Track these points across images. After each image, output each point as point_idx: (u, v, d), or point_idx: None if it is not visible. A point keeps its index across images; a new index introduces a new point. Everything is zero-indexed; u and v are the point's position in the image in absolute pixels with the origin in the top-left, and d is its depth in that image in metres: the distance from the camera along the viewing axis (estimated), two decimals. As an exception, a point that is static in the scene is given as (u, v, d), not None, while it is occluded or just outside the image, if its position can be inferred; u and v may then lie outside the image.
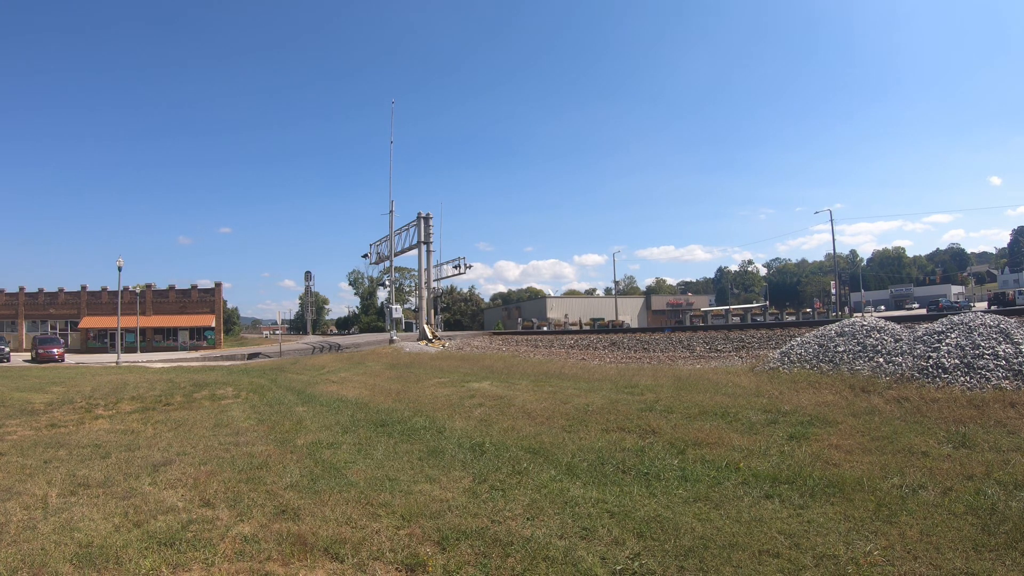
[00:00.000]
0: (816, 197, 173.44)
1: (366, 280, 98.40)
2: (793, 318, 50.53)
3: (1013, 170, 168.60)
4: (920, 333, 9.29)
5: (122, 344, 38.29)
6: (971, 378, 7.67)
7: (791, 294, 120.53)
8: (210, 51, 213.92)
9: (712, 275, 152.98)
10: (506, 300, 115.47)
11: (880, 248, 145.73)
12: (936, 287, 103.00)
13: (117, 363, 32.81)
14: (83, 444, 8.22)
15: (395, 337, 36.56)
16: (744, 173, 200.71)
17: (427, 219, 36.78)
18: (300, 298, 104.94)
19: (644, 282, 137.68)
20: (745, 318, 56.23)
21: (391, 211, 39.20)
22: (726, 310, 67.87)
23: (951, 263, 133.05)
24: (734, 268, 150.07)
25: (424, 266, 37.53)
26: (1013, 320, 8.96)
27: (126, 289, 49.80)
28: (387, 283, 40.48)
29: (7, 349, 38.03)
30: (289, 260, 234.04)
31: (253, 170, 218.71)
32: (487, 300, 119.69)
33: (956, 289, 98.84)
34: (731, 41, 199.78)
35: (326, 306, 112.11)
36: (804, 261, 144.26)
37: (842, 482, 4.97)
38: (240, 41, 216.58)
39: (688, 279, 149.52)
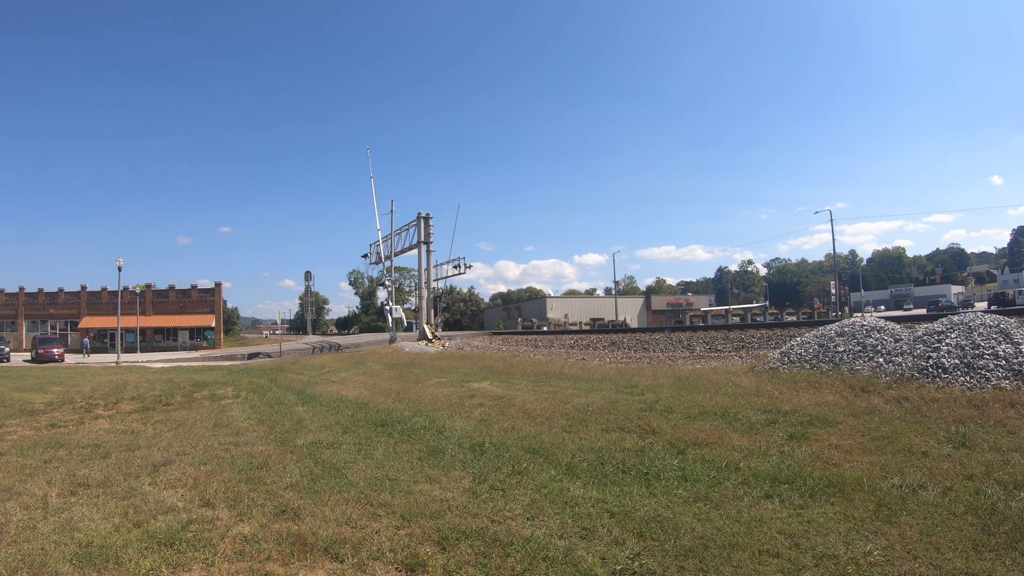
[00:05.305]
0: (817, 197, 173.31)
1: (366, 280, 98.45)
2: (793, 318, 50.46)
3: (1014, 169, 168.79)
4: (920, 333, 9.28)
5: (122, 344, 38.28)
6: (971, 378, 7.66)
7: (791, 294, 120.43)
8: (210, 51, 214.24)
9: (712, 275, 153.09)
10: (506, 300, 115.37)
11: (880, 248, 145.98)
12: (936, 287, 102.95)
13: (117, 363, 32.81)
14: (83, 444, 8.22)
15: (395, 337, 36.56)
16: (745, 173, 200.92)
17: (427, 219, 36.80)
18: (300, 298, 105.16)
19: (644, 282, 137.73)
20: (745, 318, 56.20)
21: (391, 211, 39.28)
22: (726, 310, 67.84)
23: (951, 263, 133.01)
24: (734, 268, 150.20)
25: (424, 266, 37.54)
26: (1013, 320, 8.95)
27: (126, 289, 49.79)
28: (387, 283, 40.43)
29: (7, 349, 38.02)
30: (289, 260, 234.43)
31: (253, 170, 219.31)
32: (487, 300, 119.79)
33: (956, 289, 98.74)
34: (732, 40, 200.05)
35: (326, 306, 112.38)
36: (804, 261, 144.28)
37: (842, 482, 4.97)
38: (240, 40, 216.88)
39: (688, 279, 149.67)
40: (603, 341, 32.40)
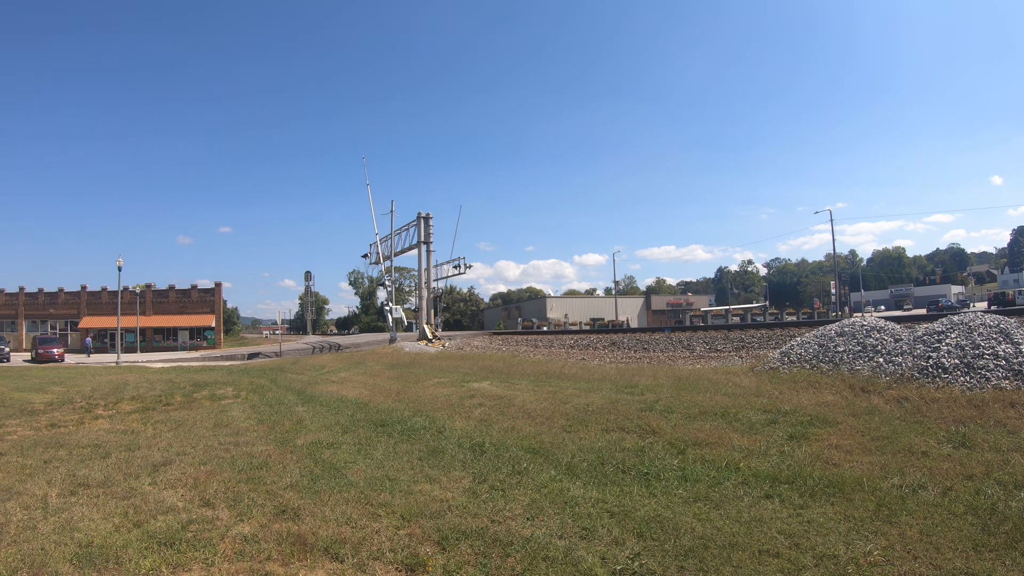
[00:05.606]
0: (818, 197, 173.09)
1: (366, 280, 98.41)
2: (793, 318, 50.41)
3: (1014, 169, 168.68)
4: (920, 333, 9.28)
5: (122, 344, 38.28)
6: (971, 378, 7.66)
7: (791, 294, 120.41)
8: (210, 50, 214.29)
9: (712, 275, 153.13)
10: (506, 300, 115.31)
11: (880, 248, 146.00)
12: (936, 287, 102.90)
13: (117, 363, 32.81)
14: (83, 444, 8.22)
15: (396, 337, 36.57)
16: (745, 173, 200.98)
17: (427, 219, 36.81)
18: (300, 298, 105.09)
19: (644, 282, 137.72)
20: (745, 318, 56.16)
21: (391, 211, 39.29)
22: (726, 310, 67.80)
23: (951, 263, 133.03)
24: (734, 268, 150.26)
25: (424, 266, 37.55)
26: (1013, 320, 8.95)
27: (126, 289, 49.77)
28: (387, 283, 40.44)
29: (7, 349, 38.01)
30: (289, 260, 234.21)
31: (253, 170, 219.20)
32: (487, 300, 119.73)
33: (956, 289, 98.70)
34: (732, 40, 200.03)
35: (326, 306, 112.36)
36: (804, 261, 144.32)
37: (842, 482, 4.97)
38: (240, 40, 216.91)
39: (688, 279, 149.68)
40: (603, 341, 32.39)
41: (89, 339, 47.71)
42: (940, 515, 4.20)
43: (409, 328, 42.02)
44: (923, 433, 6.15)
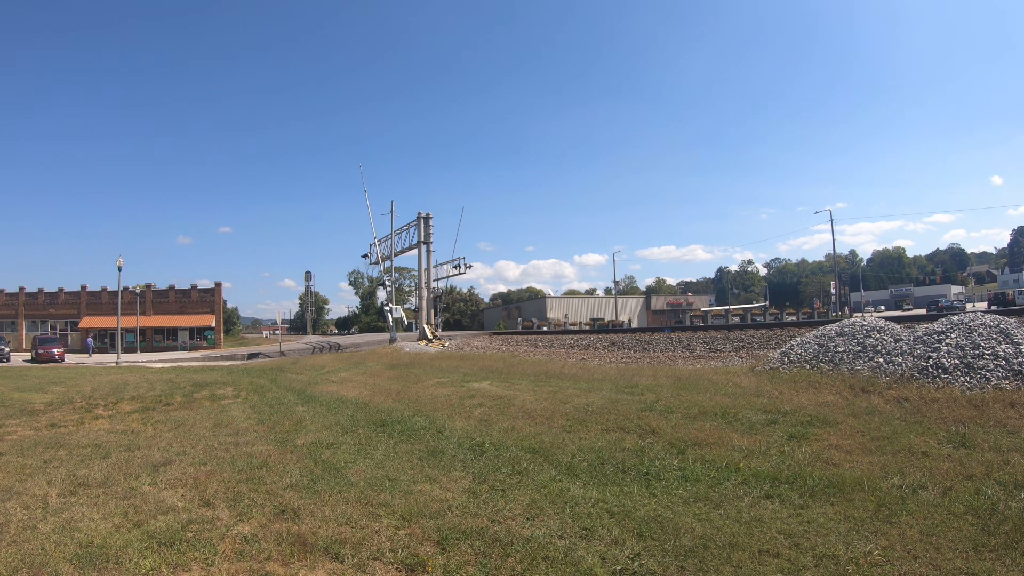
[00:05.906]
0: (818, 196, 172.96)
1: (366, 280, 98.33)
2: (793, 318, 50.40)
3: (1014, 169, 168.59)
4: (920, 333, 9.28)
5: (122, 344, 38.28)
6: (971, 378, 7.66)
7: (791, 294, 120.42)
8: (210, 50, 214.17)
9: (712, 275, 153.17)
10: (506, 300, 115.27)
11: (880, 248, 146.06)
12: (936, 287, 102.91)
13: (117, 363, 32.81)
14: (83, 444, 8.23)
15: (396, 337, 36.56)
16: (745, 172, 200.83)
17: (427, 219, 36.80)
18: (300, 298, 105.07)
19: (644, 282, 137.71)
20: (745, 318, 56.15)
21: (391, 211, 39.28)
22: (726, 310, 67.81)
23: (951, 263, 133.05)
24: (734, 268, 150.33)
25: (424, 266, 37.54)
26: (1013, 320, 8.95)
27: (126, 289, 49.74)
28: (387, 283, 40.43)
29: (7, 349, 38.01)
30: (289, 260, 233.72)
31: (253, 170, 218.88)
32: (487, 300, 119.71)
33: (956, 289, 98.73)
34: (731, 40, 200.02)
35: (326, 306, 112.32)
36: (804, 261, 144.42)
37: (842, 482, 4.97)
38: (240, 40, 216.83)
39: (688, 279, 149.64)
40: (603, 341, 32.39)
41: (91, 339, 47.73)
42: (940, 515, 4.20)
43: (409, 328, 42.01)
44: (923, 433, 6.15)
